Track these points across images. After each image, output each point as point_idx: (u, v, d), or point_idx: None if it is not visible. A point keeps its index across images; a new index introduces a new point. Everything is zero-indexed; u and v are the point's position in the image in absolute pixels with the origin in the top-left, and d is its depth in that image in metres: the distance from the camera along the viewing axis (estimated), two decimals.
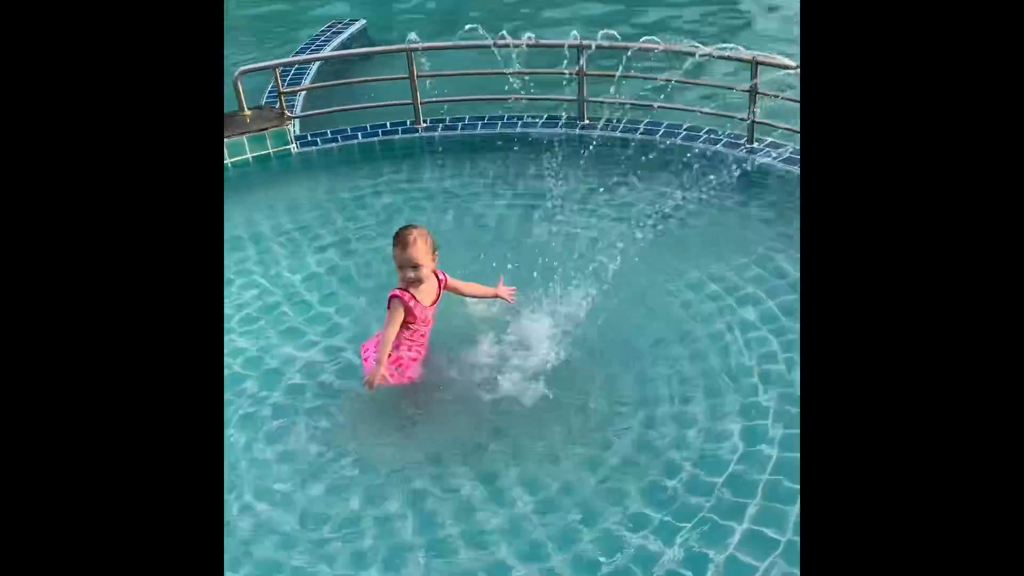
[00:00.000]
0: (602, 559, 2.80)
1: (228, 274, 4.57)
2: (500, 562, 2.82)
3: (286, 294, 4.35)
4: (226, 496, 3.11)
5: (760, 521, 2.88)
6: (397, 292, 3.35)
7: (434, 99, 5.97)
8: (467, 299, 3.78)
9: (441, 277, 3.51)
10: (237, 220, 5.09)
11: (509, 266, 4.04)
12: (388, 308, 3.37)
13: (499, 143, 5.74)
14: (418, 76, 5.77)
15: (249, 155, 5.69)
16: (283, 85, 5.94)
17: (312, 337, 4.00)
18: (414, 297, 3.35)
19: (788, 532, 2.82)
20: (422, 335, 3.48)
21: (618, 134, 5.67)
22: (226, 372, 3.78)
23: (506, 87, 5.47)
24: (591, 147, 5.51)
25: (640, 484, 3.07)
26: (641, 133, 5.65)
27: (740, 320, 3.87)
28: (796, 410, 3.24)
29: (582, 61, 5.53)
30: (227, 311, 4.24)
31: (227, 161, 5.63)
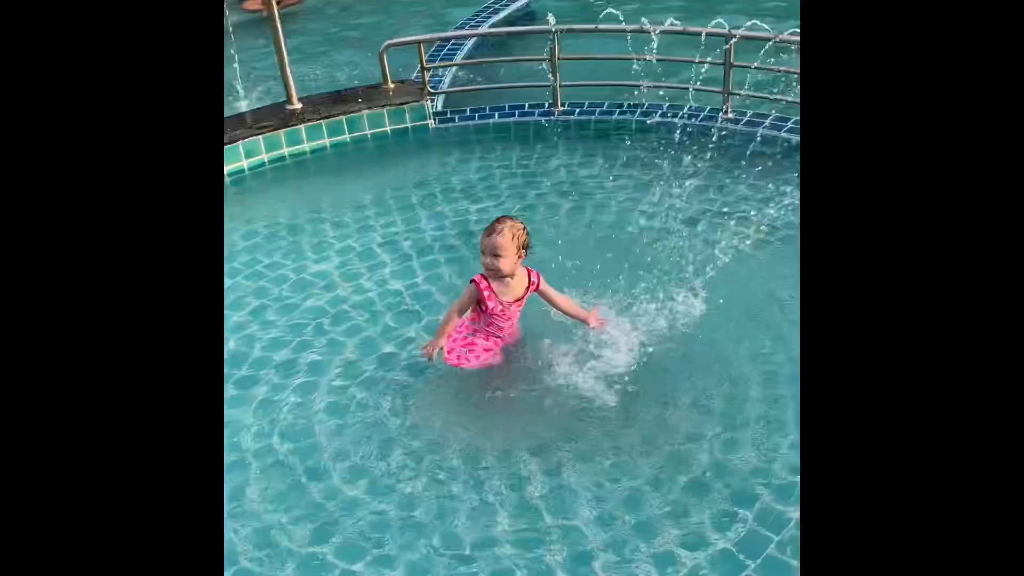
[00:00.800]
0: None
1: (349, 242, 4.72)
2: (545, 566, 2.74)
3: (395, 268, 4.43)
4: (294, 461, 3.24)
5: None
6: (476, 277, 3.33)
7: (573, 83, 5.86)
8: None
9: (534, 279, 3.44)
10: (367, 188, 5.25)
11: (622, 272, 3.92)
12: None
13: (635, 133, 5.57)
14: (559, 59, 5.68)
15: (388, 128, 5.83)
16: (435, 60, 6.04)
17: (411, 311, 4.05)
18: (491, 287, 3.31)
19: None
20: (499, 328, 3.43)
21: (763, 130, 5.32)
22: (324, 338, 3.92)
23: (642, 75, 5.30)
24: (731, 142, 5.26)
25: (709, 508, 2.88)
26: (786, 131, 5.29)
27: None
28: None
29: (731, 52, 5.24)
30: (336, 278, 4.38)
31: (367, 132, 5.80)
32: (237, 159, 5.48)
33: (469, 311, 3.45)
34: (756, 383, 3.40)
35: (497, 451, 3.19)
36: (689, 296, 3.77)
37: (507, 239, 3.21)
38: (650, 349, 3.51)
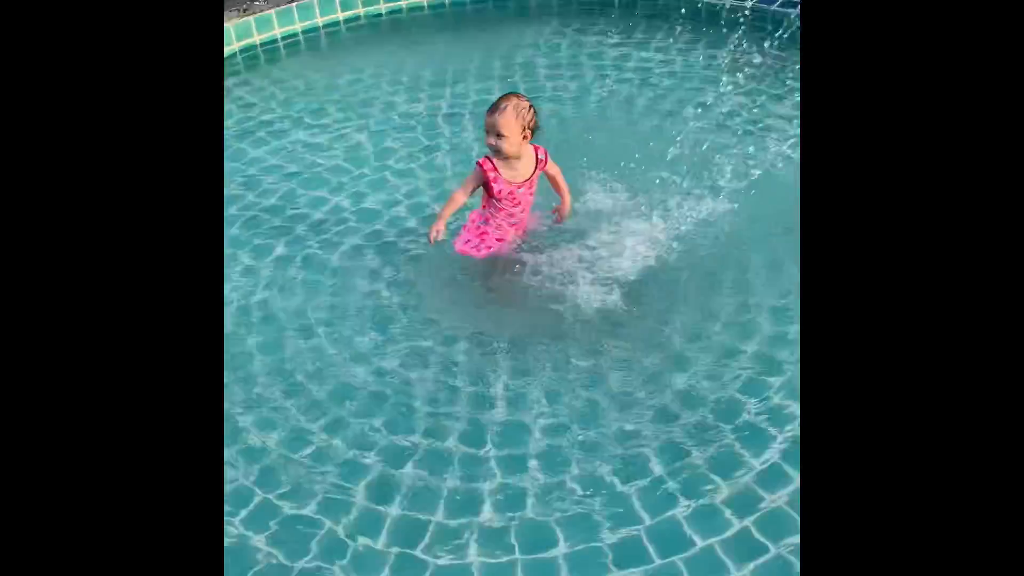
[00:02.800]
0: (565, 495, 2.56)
1: (419, 107, 4.65)
2: (474, 462, 2.68)
3: (453, 141, 4.33)
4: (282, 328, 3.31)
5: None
6: (481, 159, 3.17)
7: None
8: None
9: (541, 156, 3.24)
10: (450, 54, 5.11)
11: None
12: None
13: (752, 20, 4.99)
14: None
15: None
16: None
17: (424, 197, 3.94)
18: (496, 170, 3.15)
19: None
20: (510, 215, 3.28)
21: None
22: (356, 207, 3.92)
23: None
24: None
25: (658, 439, 2.69)
26: None
27: None
28: None
29: None
30: (391, 143, 4.35)
31: None
32: (333, 11, 5.46)
33: (481, 198, 3.33)
34: (766, 315, 3.10)
35: (481, 341, 3.10)
36: (722, 205, 3.45)
37: (510, 118, 3.02)
38: (664, 255, 3.28)
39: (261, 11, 5.26)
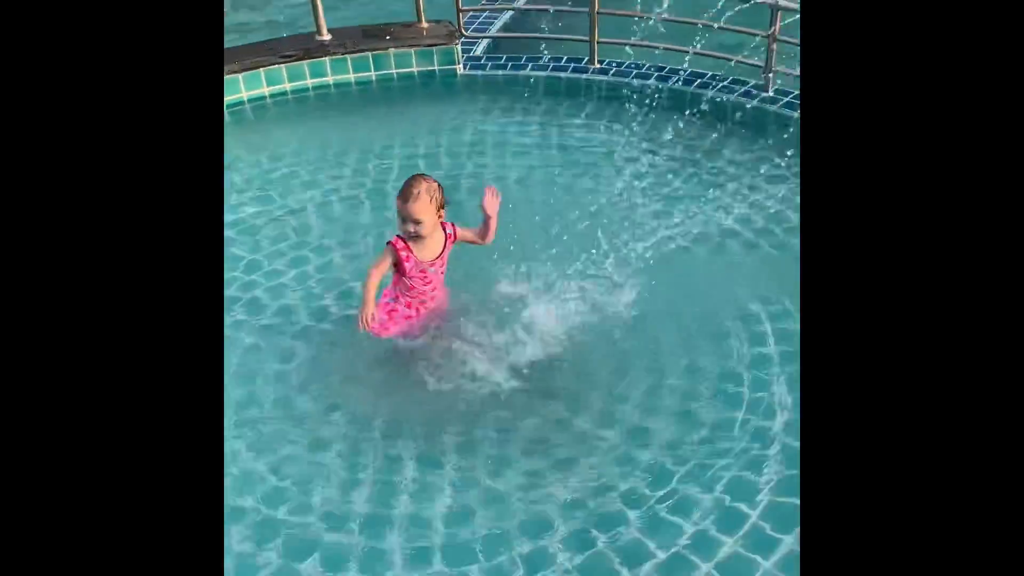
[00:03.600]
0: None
1: (340, 184, 4.64)
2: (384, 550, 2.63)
3: (373, 219, 4.32)
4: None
5: None
6: (393, 239, 3.16)
7: (613, 40, 5.47)
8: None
9: (450, 231, 3.24)
10: (378, 131, 5.13)
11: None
12: None
13: (668, 101, 5.16)
14: (599, 12, 5.31)
15: (415, 69, 5.64)
16: (462, 3, 5.74)
17: (341, 274, 3.90)
18: (409, 249, 3.14)
19: None
20: (421, 292, 3.26)
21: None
22: (272, 281, 3.87)
23: (698, 42, 4.87)
24: (773, 122, 4.83)
25: (564, 528, 2.66)
26: None
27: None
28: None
29: (776, 24, 4.74)
30: (311, 220, 4.32)
31: (393, 71, 5.65)
32: (259, 86, 5.46)
33: (392, 276, 3.31)
34: (675, 397, 3.11)
35: (386, 427, 3.05)
36: (633, 287, 3.50)
37: (425, 203, 3.02)
38: (578, 340, 3.29)
39: None
